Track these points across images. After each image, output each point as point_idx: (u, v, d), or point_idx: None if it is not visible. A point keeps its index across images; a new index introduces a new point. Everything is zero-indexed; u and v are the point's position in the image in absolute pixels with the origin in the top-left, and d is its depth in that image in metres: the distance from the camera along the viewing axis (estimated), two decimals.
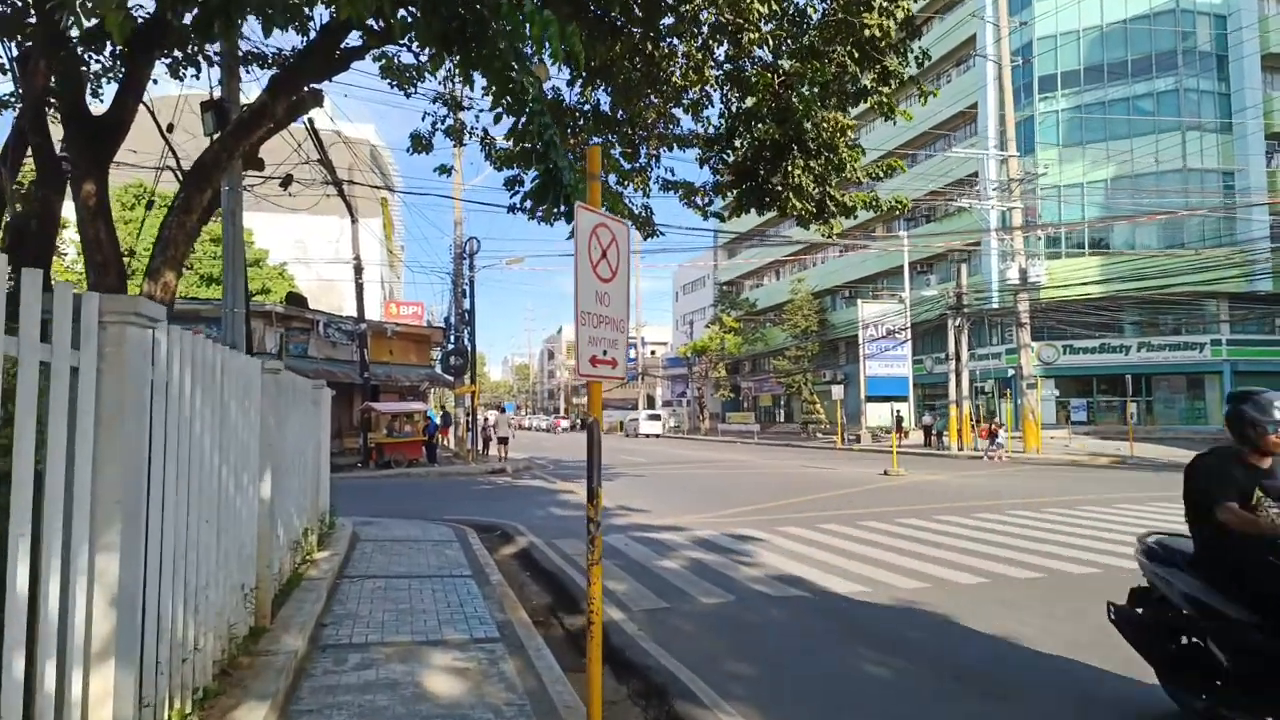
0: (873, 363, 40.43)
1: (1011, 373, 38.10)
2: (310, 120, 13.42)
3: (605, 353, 3.77)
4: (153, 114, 8.28)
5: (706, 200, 11.64)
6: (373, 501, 15.18)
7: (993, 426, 25.98)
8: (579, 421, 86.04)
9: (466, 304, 25.33)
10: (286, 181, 13.43)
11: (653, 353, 79.63)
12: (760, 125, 9.60)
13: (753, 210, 11.69)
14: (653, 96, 10.85)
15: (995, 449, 24.88)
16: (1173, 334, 34.49)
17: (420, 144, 12.68)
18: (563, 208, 5.44)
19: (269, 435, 5.15)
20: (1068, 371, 35.22)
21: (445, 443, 32.63)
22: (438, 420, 42.58)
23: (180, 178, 8.34)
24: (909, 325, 39.24)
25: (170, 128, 8.47)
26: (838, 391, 39.52)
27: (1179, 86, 34.11)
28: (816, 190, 10.50)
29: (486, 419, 33.21)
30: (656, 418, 60.75)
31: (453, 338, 25.48)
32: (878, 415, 40.58)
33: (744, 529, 10.76)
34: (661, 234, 14.23)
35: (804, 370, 50.40)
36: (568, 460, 27.91)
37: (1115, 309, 33.80)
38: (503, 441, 26.34)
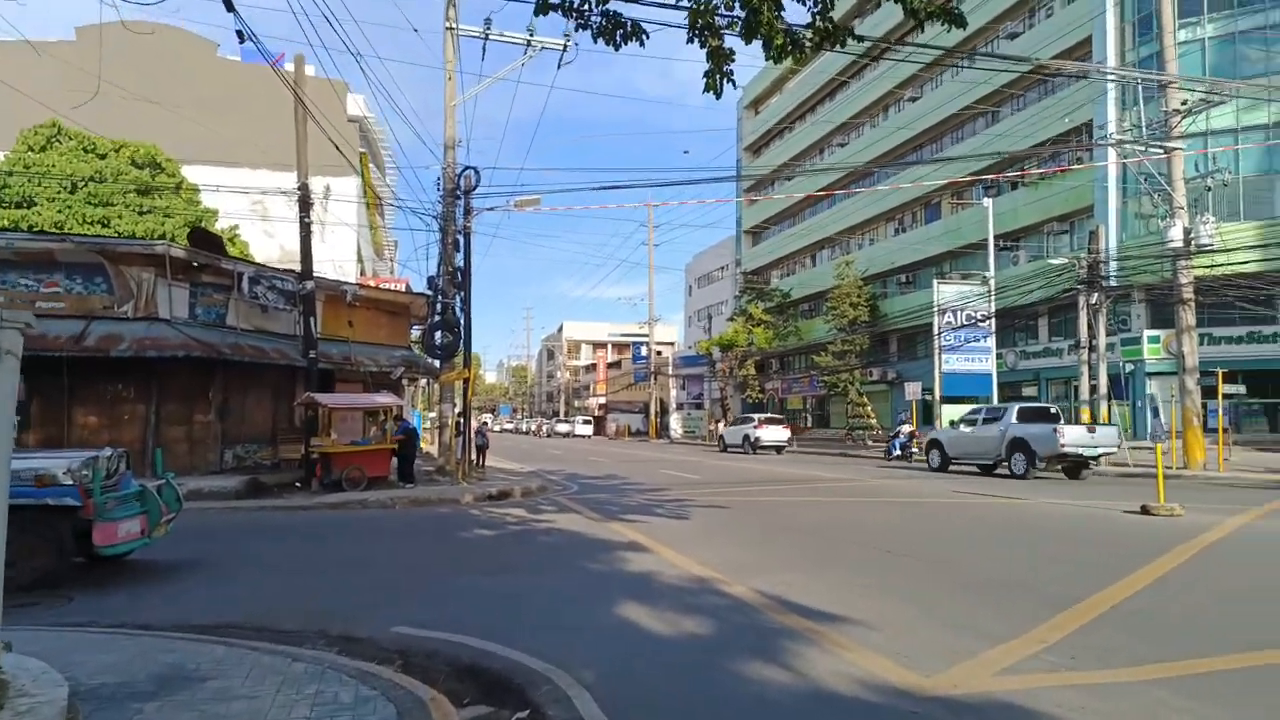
0: (950, 356, 33.34)
1: (1130, 367, 31.19)
2: None
3: None
4: None
5: None
6: (271, 566, 8.03)
7: None
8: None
9: (459, 259, 18.13)
10: None
11: (659, 353, 72.17)
12: None
13: None
14: None
15: None
16: None
17: None
18: None
19: None
20: (1204, 365, 28.17)
21: (425, 449, 25.60)
22: (422, 423, 35.41)
23: None
24: (993, 312, 32.30)
25: None
26: (913, 390, 32.41)
27: None
28: None
29: (485, 422, 26.31)
30: (583, 422, 70.20)
31: (439, 306, 18.09)
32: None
33: None
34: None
35: (851, 367, 43.28)
36: (587, 475, 20.71)
37: (1268, 287, 26.77)
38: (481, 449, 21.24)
